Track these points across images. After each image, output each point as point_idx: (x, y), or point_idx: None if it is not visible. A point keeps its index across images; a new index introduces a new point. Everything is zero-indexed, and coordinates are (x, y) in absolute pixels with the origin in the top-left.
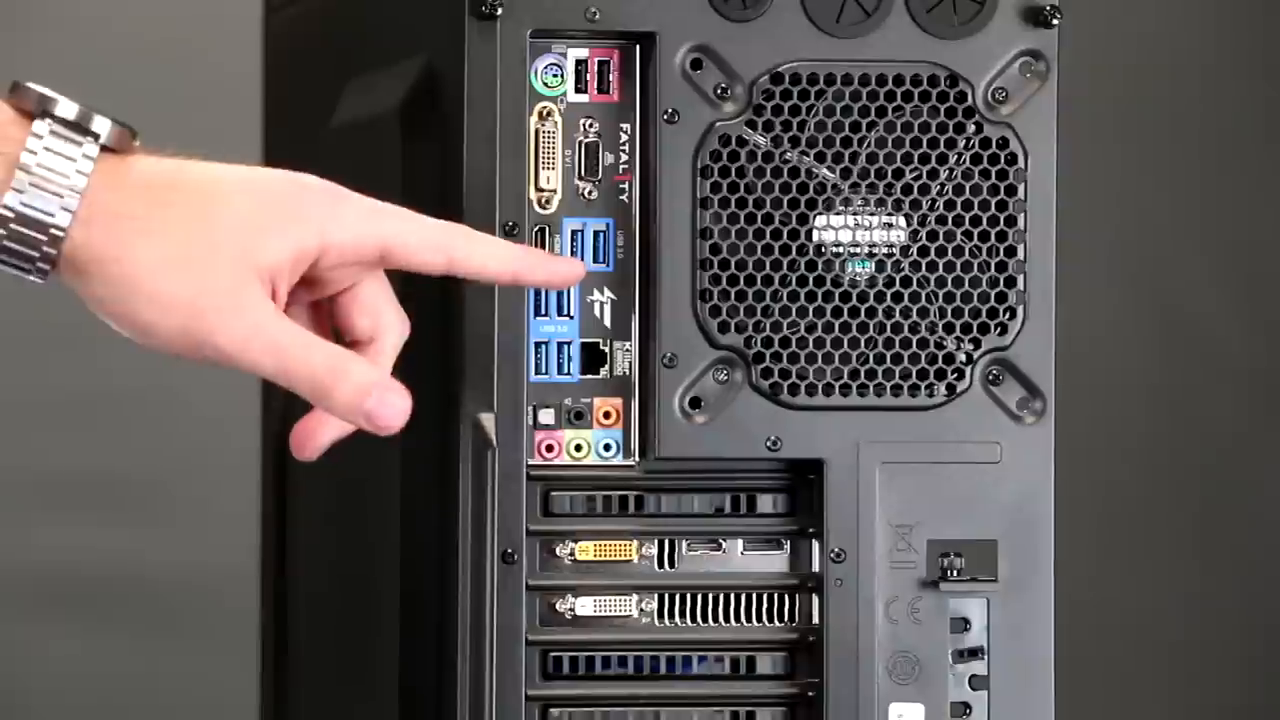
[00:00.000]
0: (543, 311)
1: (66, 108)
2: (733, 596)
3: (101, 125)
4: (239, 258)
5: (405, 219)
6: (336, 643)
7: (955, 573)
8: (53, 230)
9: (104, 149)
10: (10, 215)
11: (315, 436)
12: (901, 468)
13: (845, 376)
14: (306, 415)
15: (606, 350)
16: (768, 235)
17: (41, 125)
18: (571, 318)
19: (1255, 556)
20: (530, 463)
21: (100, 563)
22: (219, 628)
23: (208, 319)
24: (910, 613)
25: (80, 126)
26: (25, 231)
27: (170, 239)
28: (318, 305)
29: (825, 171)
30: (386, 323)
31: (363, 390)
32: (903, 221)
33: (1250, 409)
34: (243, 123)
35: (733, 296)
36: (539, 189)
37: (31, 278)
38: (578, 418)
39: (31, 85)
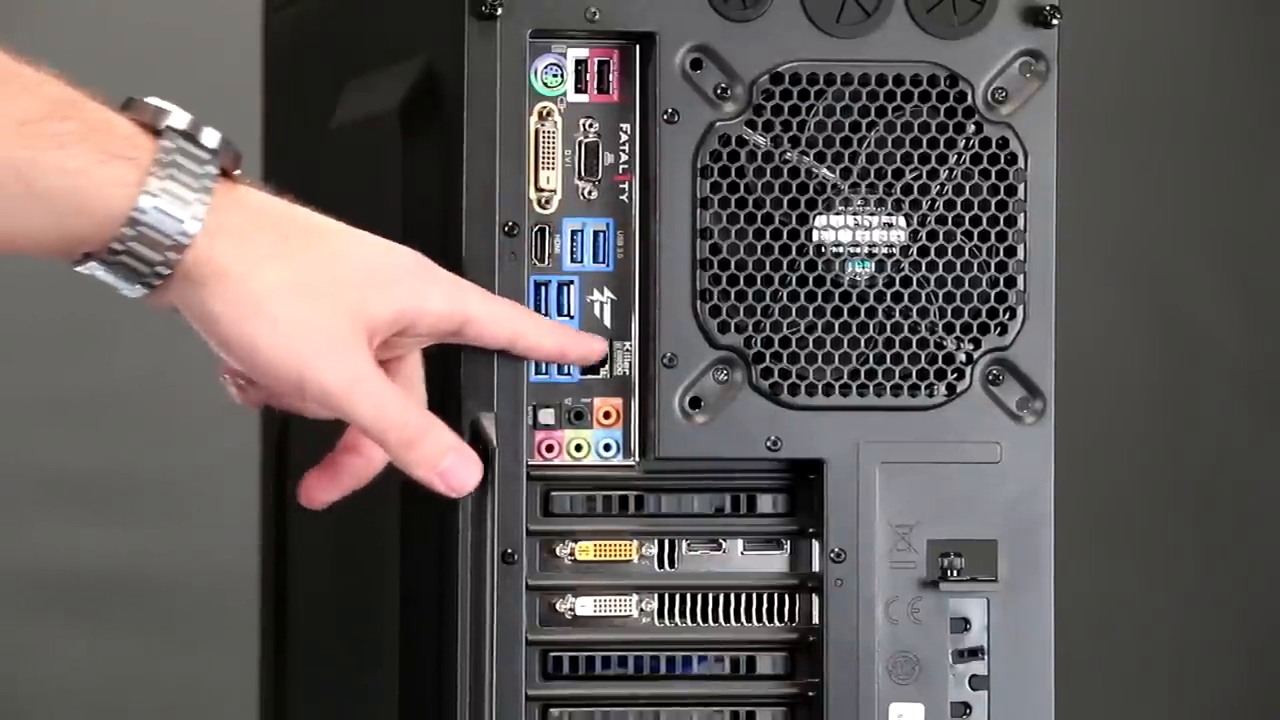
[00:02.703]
0: (543, 311)
1: (179, 118)
2: (733, 596)
3: (212, 138)
4: (354, 304)
5: (485, 297)
6: (336, 643)
7: (955, 573)
8: (180, 236)
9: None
10: (143, 217)
11: (327, 489)
12: (901, 468)
13: (845, 376)
14: (318, 467)
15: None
16: (768, 235)
17: (169, 137)
18: (571, 318)
19: (1254, 556)
20: (530, 463)
21: (101, 563)
22: (219, 628)
23: (320, 351)
24: (910, 613)
25: (193, 138)
26: (153, 235)
27: (296, 268)
28: None
29: (825, 171)
30: (418, 396)
31: (445, 450)
32: (903, 221)
33: (1250, 409)
34: (243, 123)
35: (733, 296)
36: (539, 189)
37: (137, 288)
38: (578, 418)
39: (146, 100)
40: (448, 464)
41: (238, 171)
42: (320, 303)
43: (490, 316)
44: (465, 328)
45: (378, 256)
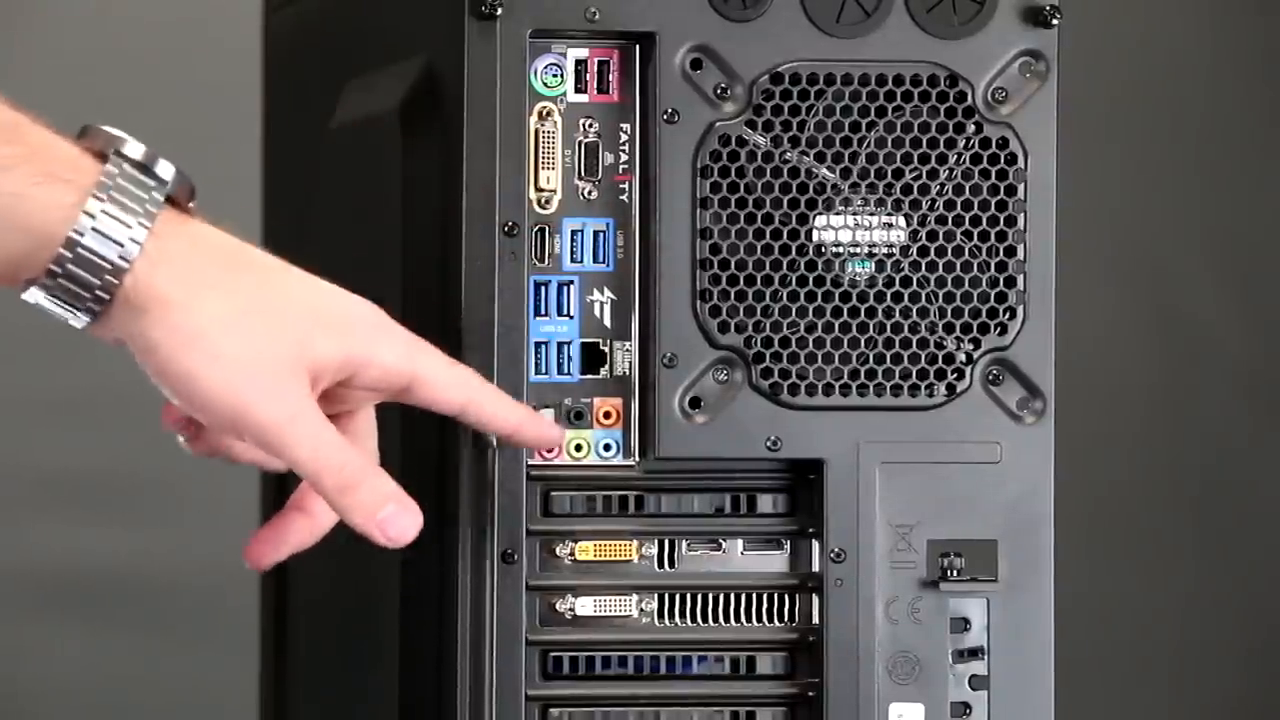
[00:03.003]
0: (543, 311)
1: (134, 148)
2: (733, 596)
3: (166, 170)
4: (297, 343)
5: (439, 357)
6: (337, 643)
7: (955, 573)
8: (119, 260)
9: (168, 200)
10: (80, 239)
11: (274, 550)
12: (901, 468)
13: (845, 376)
14: (265, 527)
15: (606, 350)
16: (768, 235)
17: (114, 162)
18: (571, 318)
19: (1254, 556)
20: (530, 463)
21: (100, 563)
22: (219, 628)
23: (259, 387)
24: (910, 613)
25: (146, 168)
26: (91, 258)
27: (239, 301)
28: None
29: (825, 171)
30: (367, 450)
31: (384, 498)
32: (903, 221)
33: (1250, 409)
34: (243, 123)
35: (733, 296)
36: (539, 189)
37: (81, 315)
38: (578, 418)
39: (102, 127)
40: (386, 513)
41: (192, 205)
42: (262, 338)
43: (443, 380)
44: (415, 386)
45: (329, 300)
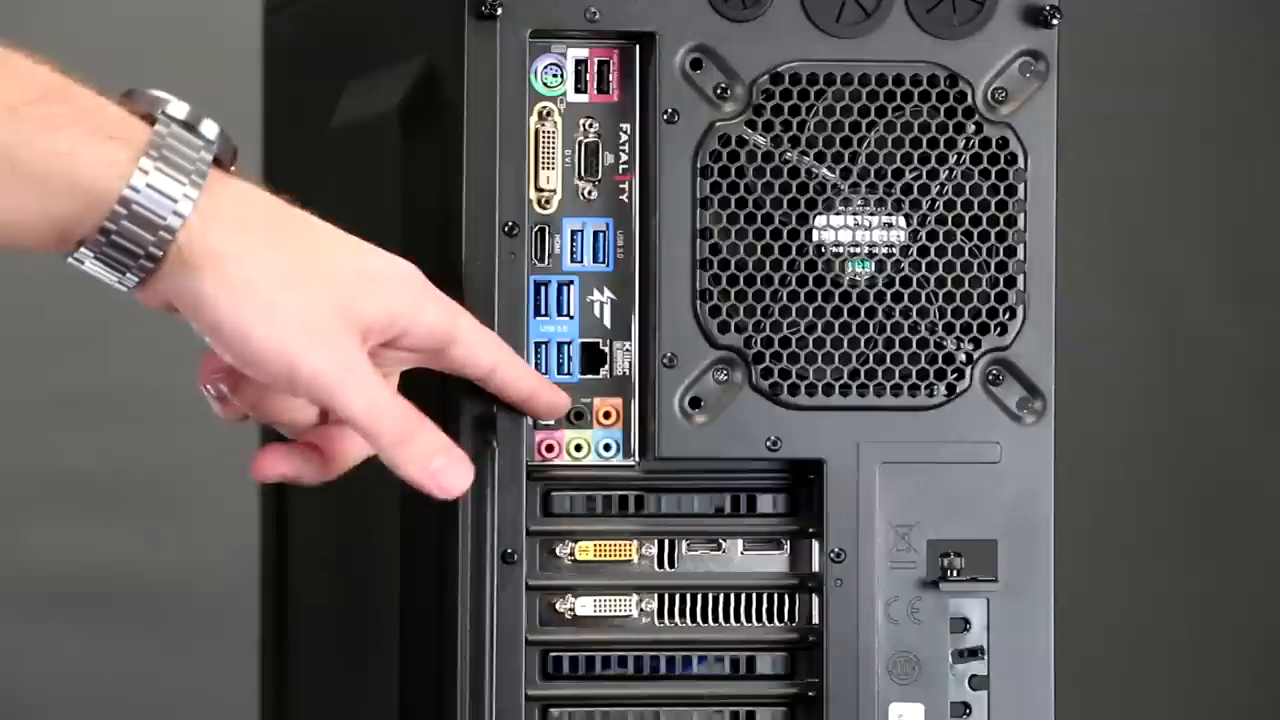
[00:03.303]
0: (543, 311)
1: (178, 108)
2: (733, 596)
3: (210, 129)
4: (348, 298)
5: (474, 320)
6: (337, 643)
7: (955, 573)
8: (173, 217)
9: (214, 159)
10: (135, 196)
11: (281, 466)
12: (901, 468)
13: (845, 376)
14: (279, 444)
15: (606, 350)
16: (768, 235)
17: (163, 121)
18: (571, 318)
19: (1254, 556)
20: (530, 463)
21: (100, 563)
22: (219, 628)
23: (313, 340)
24: (910, 613)
25: (192, 128)
26: (146, 215)
27: (291, 256)
28: None
29: (825, 171)
30: None
31: (437, 450)
32: (903, 221)
33: (1250, 409)
34: (243, 122)
35: (733, 296)
36: (539, 189)
37: (129, 276)
38: (578, 418)
39: (145, 90)
40: (439, 464)
41: (234, 167)
42: (315, 293)
43: (479, 341)
44: (452, 347)
45: (376, 261)
